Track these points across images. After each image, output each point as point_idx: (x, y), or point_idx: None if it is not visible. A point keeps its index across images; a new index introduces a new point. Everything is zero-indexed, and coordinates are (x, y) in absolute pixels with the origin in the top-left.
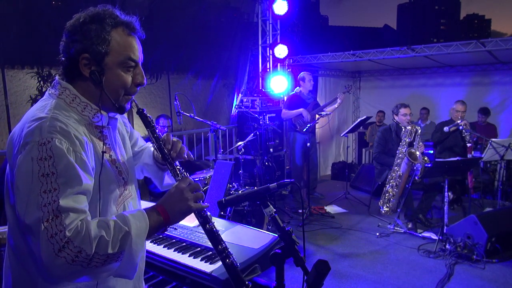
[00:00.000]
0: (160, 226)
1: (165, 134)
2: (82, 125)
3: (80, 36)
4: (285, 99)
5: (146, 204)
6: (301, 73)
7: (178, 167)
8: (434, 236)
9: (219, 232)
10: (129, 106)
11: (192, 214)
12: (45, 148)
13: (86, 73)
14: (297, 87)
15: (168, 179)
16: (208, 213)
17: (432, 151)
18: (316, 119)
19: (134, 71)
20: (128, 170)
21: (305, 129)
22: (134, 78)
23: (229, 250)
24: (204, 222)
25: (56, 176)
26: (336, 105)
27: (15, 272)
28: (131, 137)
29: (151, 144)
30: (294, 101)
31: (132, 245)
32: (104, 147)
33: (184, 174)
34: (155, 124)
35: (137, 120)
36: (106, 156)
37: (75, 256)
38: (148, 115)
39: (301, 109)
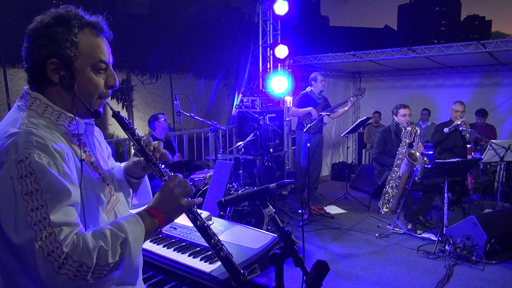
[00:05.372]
0: (154, 228)
1: (145, 137)
2: (59, 134)
3: (45, 40)
4: (295, 98)
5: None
6: (313, 73)
7: (163, 166)
8: (433, 237)
9: (219, 232)
10: (101, 110)
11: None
12: (23, 165)
13: (55, 79)
14: (308, 87)
15: (135, 200)
16: (200, 209)
17: (432, 152)
18: (324, 120)
19: (105, 73)
20: (112, 175)
21: (305, 129)
22: (106, 81)
23: (222, 242)
24: (195, 219)
25: (41, 192)
26: (346, 108)
27: None
28: (107, 147)
29: (119, 163)
30: (304, 100)
31: (132, 251)
32: (84, 154)
33: (169, 173)
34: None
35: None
36: (87, 163)
37: (77, 271)
38: (124, 117)
39: (310, 108)
